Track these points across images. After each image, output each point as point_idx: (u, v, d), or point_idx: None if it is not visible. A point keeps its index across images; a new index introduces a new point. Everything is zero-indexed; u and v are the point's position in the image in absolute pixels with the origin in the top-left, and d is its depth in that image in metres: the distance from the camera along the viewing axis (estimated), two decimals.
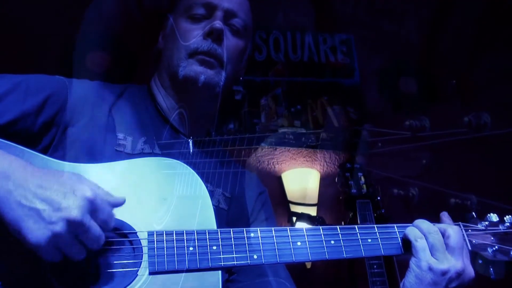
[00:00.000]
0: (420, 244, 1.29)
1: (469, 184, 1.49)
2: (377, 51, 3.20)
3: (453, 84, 2.02)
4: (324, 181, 3.36)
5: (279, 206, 3.29)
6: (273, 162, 3.35)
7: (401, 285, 1.32)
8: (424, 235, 1.31)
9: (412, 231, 1.32)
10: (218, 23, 1.52)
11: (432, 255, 1.28)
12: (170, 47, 1.58)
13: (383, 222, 2.65)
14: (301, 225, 3.13)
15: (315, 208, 3.28)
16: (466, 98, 1.96)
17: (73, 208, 1.05)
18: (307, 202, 3.27)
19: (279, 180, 3.35)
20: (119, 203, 1.17)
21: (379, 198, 2.60)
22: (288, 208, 3.30)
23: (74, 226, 1.05)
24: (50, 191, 1.07)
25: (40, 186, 1.07)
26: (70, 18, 1.62)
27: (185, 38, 1.54)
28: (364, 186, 2.60)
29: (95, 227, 1.09)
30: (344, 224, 2.86)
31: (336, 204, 3.06)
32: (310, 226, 3.07)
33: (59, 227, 1.04)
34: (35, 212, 1.04)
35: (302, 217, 3.11)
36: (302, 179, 3.34)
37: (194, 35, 1.54)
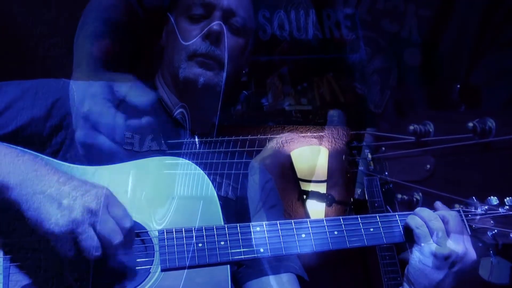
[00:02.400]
0: (421, 231, 1.34)
1: (473, 190, 1.51)
2: (378, 51, 3.17)
3: (457, 88, 2.00)
4: (332, 157, 3.37)
5: (289, 185, 3.32)
6: (281, 141, 3.37)
7: (405, 271, 1.37)
8: (425, 223, 1.34)
9: (413, 219, 1.36)
10: (216, 25, 1.53)
11: (433, 241, 1.32)
12: (171, 47, 1.60)
13: (391, 197, 2.70)
14: (311, 203, 3.18)
15: (324, 184, 3.30)
16: (470, 103, 1.95)
17: (91, 198, 1.14)
18: (316, 179, 3.29)
19: (288, 159, 3.37)
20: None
21: (386, 173, 2.62)
22: (298, 186, 3.33)
23: (91, 214, 1.12)
24: (71, 185, 1.16)
25: (62, 182, 1.16)
26: (70, 18, 1.64)
27: (184, 38, 1.55)
28: (371, 163, 2.63)
29: (111, 221, 1.16)
30: (353, 201, 2.93)
31: (344, 181, 3.09)
32: (320, 204, 3.15)
33: (77, 213, 1.11)
34: (56, 201, 1.12)
35: (312, 195, 3.14)
36: (310, 157, 3.36)
37: (193, 36, 1.55)
